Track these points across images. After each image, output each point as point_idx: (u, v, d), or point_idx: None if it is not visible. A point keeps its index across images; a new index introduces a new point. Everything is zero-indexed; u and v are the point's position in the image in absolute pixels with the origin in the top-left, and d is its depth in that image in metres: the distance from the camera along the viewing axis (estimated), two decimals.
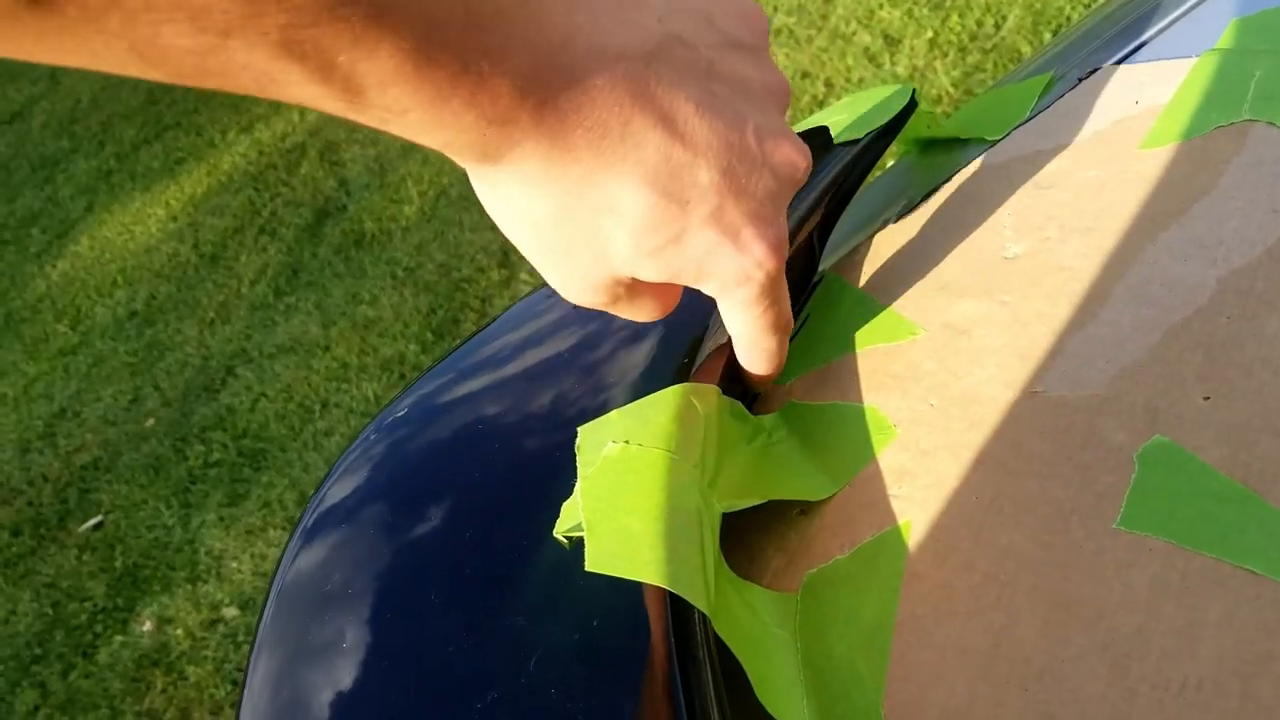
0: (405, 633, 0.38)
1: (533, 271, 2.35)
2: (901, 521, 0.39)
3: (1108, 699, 0.31)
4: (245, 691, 0.40)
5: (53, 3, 0.22)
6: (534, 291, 0.56)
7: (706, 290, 0.38)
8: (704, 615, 0.34)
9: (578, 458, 0.40)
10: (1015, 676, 0.33)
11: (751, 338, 0.41)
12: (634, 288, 0.37)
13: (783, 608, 0.38)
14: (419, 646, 0.37)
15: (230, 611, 1.98)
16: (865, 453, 0.42)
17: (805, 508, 0.41)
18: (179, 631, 1.99)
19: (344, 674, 0.38)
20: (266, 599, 0.44)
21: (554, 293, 0.55)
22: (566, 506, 0.38)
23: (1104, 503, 0.35)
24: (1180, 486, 0.34)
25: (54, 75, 4.44)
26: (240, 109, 3.56)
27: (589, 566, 0.35)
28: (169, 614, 2.04)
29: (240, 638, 1.92)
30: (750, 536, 0.42)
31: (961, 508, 0.38)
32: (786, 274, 0.43)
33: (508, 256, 2.46)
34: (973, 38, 2.24)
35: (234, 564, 2.06)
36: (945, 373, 0.42)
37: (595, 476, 0.38)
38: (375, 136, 3.09)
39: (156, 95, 3.91)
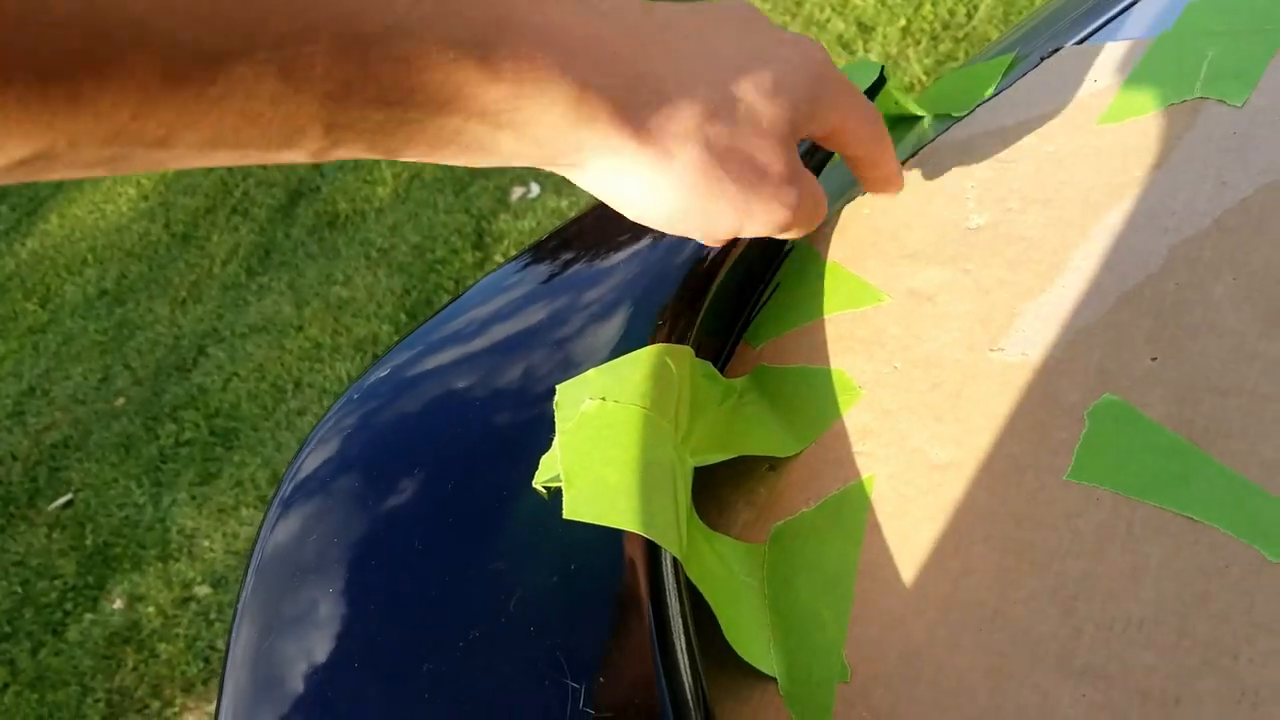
0: (390, 582, 0.39)
1: (506, 253, 2.36)
2: (865, 476, 0.41)
3: (1056, 637, 0.33)
4: (228, 662, 0.42)
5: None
6: (511, 260, 0.58)
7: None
8: (676, 562, 0.36)
9: (556, 414, 0.41)
10: (970, 619, 0.35)
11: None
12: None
13: (751, 558, 0.40)
14: (403, 591, 0.38)
15: (202, 590, 1.99)
16: (832, 412, 0.43)
17: (773, 464, 0.43)
18: (150, 609, 1.99)
19: (328, 633, 0.40)
20: (246, 570, 0.45)
21: (522, 266, 0.56)
22: (545, 460, 0.40)
23: (1056, 457, 0.37)
24: (1128, 441, 0.36)
25: None
26: None
27: (567, 514, 0.37)
28: (140, 592, 2.04)
29: (212, 615, 1.92)
30: (721, 491, 0.43)
31: (922, 463, 0.40)
32: (759, 243, 0.45)
33: (481, 239, 2.46)
34: (945, 26, 2.26)
35: (206, 542, 2.06)
36: (909, 337, 0.44)
37: (573, 431, 0.40)
38: None
39: None
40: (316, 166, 2.96)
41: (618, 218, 0.53)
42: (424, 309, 2.38)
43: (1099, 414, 0.37)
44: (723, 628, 0.36)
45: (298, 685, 0.38)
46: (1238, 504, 0.33)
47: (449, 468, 0.43)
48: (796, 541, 0.40)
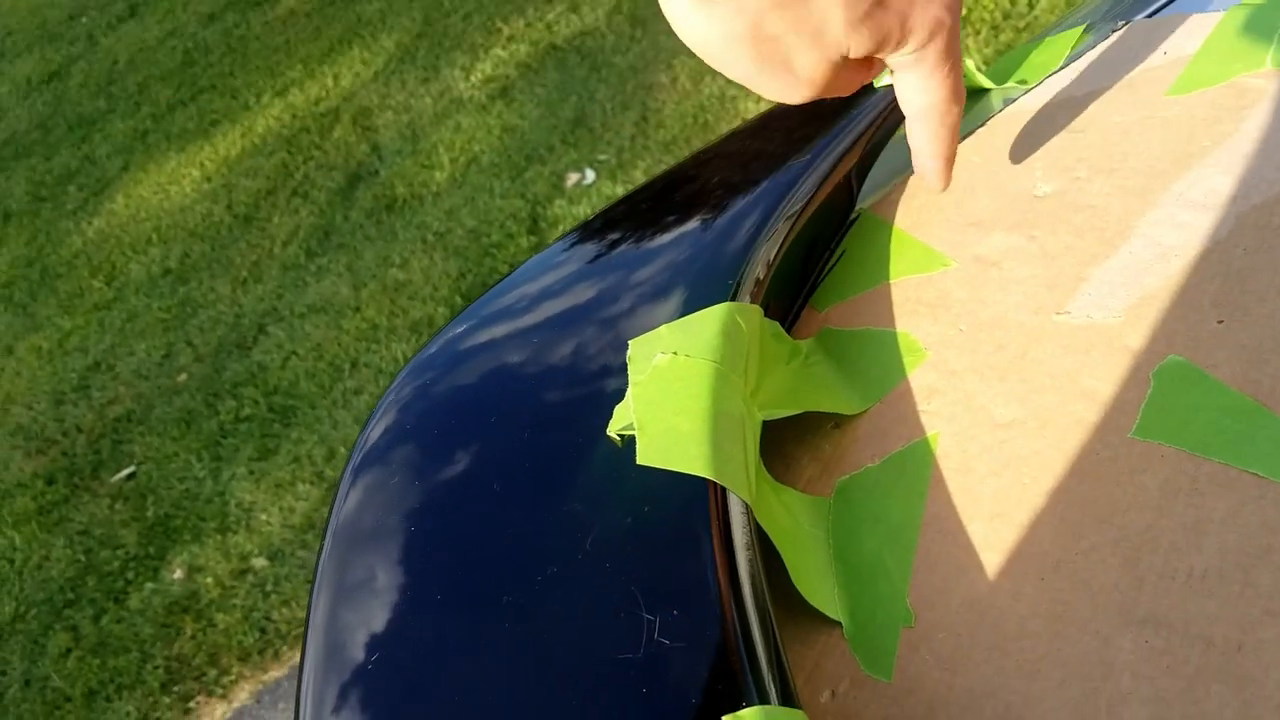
0: (469, 529, 0.41)
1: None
2: (930, 433, 0.41)
3: (1119, 587, 0.34)
4: (309, 627, 0.43)
5: None
6: (565, 236, 0.59)
7: (902, 54, 0.41)
8: (745, 508, 0.37)
9: (629, 367, 0.42)
10: (1033, 569, 0.36)
11: (939, 107, 0.43)
12: (841, 70, 0.41)
13: (816, 509, 0.41)
14: (481, 538, 0.40)
15: (259, 562, 2.03)
16: (897, 372, 0.44)
17: (839, 421, 0.44)
18: (209, 580, 2.03)
19: (408, 588, 0.41)
20: (323, 539, 0.47)
21: (580, 240, 0.57)
22: (618, 409, 0.41)
23: (1121, 416, 0.38)
24: (1193, 400, 0.37)
25: (91, 36, 4.49)
26: (275, 72, 3.60)
27: (640, 460, 0.38)
28: (199, 563, 2.08)
29: (269, 587, 1.96)
30: (787, 447, 0.44)
31: (987, 421, 0.41)
32: (826, 211, 0.45)
33: (536, 224, 2.49)
34: (1006, 16, 2.24)
35: (263, 516, 2.10)
36: (974, 301, 0.45)
37: (646, 383, 0.41)
38: (409, 103, 3.12)
39: (193, 57, 3.95)
40: (376, 150, 3.00)
41: (677, 190, 0.54)
42: (479, 292, 2.40)
43: (1164, 374, 0.38)
44: (790, 572, 0.37)
45: (380, 641, 0.40)
46: None
47: (521, 423, 0.45)
48: (861, 495, 0.41)
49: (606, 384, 0.43)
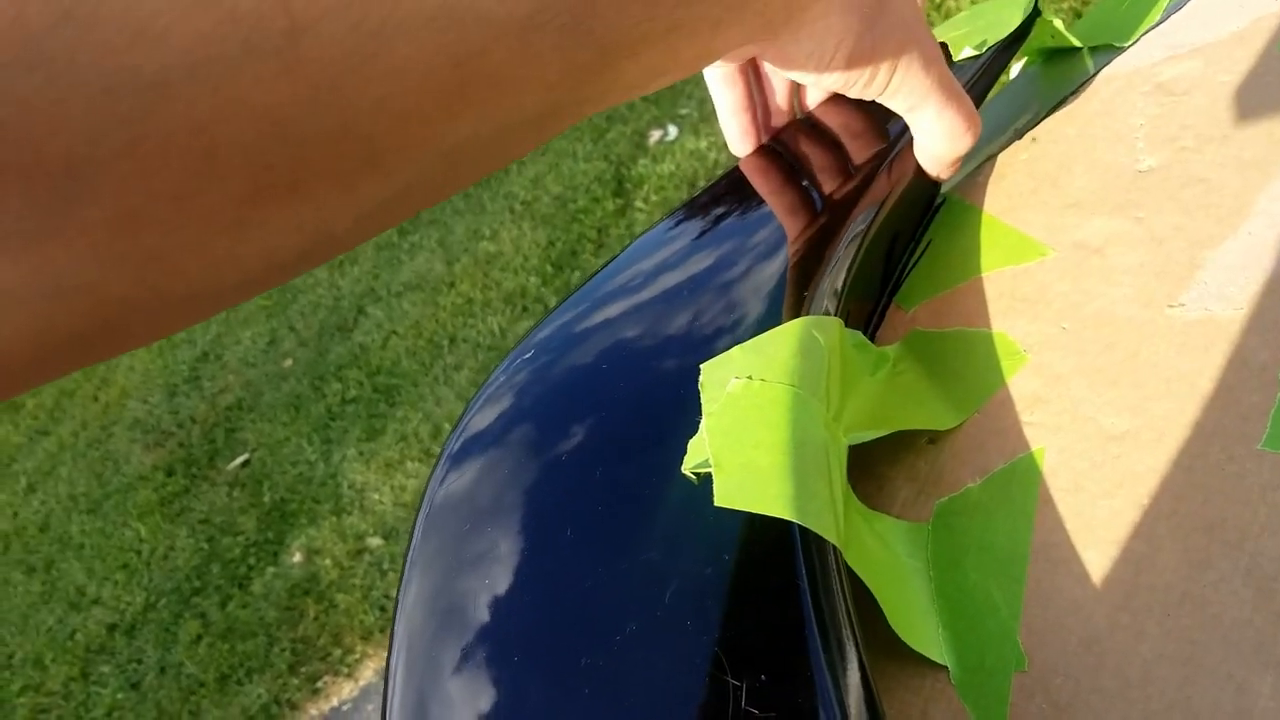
0: (544, 563, 0.39)
1: (647, 199, 2.35)
2: (1035, 449, 0.38)
3: (1253, 624, 0.31)
4: (398, 611, 0.42)
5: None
6: (661, 221, 0.57)
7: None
8: (834, 548, 0.34)
9: (701, 395, 0.40)
10: (1156, 604, 0.33)
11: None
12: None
13: (914, 537, 0.38)
14: (558, 578, 0.38)
15: (374, 541, 2.06)
16: (995, 379, 0.41)
17: (934, 436, 0.41)
18: (327, 561, 2.08)
19: (485, 595, 0.40)
20: (414, 523, 0.46)
21: (679, 222, 0.55)
22: (693, 444, 0.39)
23: (1247, 424, 0.34)
24: None
25: None
26: None
27: (718, 502, 0.36)
28: (316, 545, 2.13)
29: (385, 566, 2.00)
30: (878, 468, 0.42)
31: (1097, 434, 0.37)
32: (905, 199, 0.43)
33: (621, 185, 2.46)
34: None
35: (375, 495, 2.14)
36: (1078, 293, 0.41)
37: (719, 413, 0.39)
38: None
39: None
40: None
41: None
42: (569, 259, 2.39)
43: None
44: (886, 614, 0.35)
45: (463, 631, 0.39)
46: None
47: (607, 439, 0.43)
48: (962, 519, 0.38)
49: (690, 403, 0.40)
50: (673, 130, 2.49)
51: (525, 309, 2.34)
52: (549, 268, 2.39)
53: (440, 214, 2.75)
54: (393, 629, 0.42)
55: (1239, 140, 0.41)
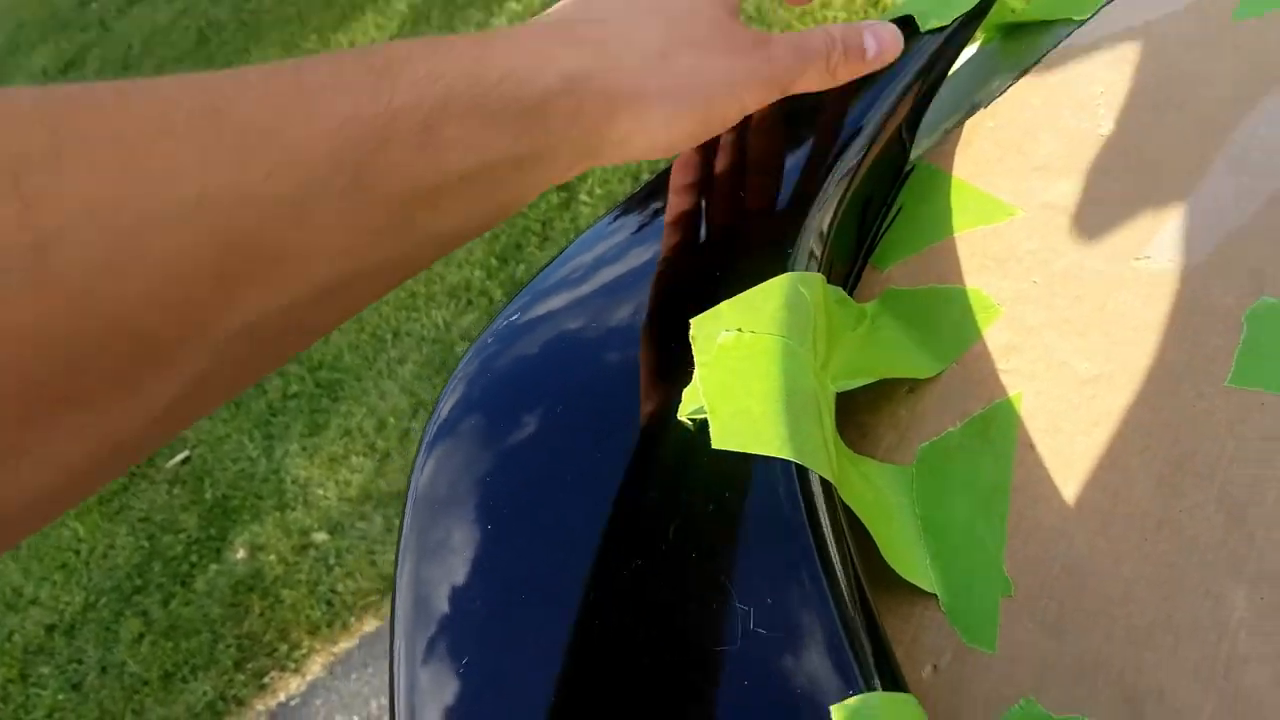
0: (545, 517, 0.40)
1: (591, 192, 2.36)
2: (1012, 393, 0.40)
3: (1226, 544, 0.33)
4: (396, 595, 0.43)
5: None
6: (615, 208, 0.58)
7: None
8: (828, 486, 0.36)
9: (693, 347, 0.41)
10: (1134, 531, 0.35)
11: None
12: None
13: (899, 479, 0.40)
14: (560, 527, 0.39)
15: (320, 536, 2.05)
16: (971, 331, 0.43)
17: (914, 386, 0.43)
18: (272, 558, 2.06)
19: (488, 563, 0.41)
20: (404, 510, 0.46)
21: (624, 215, 0.56)
22: (687, 392, 0.40)
23: (1213, 364, 0.37)
24: None
25: (103, 22, 4.48)
26: (290, 45, 3.57)
27: (715, 444, 0.37)
28: (260, 541, 2.11)
29: (331, 561, 1.98)
30: (860, 416, 0.43)
31: (1071, 378, 0.39)
32: (880, 166, 0.45)
33: None
34: None
35: (320, 491, 2.12)
36: (1046, 251, 0.43)
37: (712, 363, 0.40)
38: None
39: (206, 35, 3.94)
40: None
41: (718, 154, 0.52)
42: (513, 253, 2.39)
43: (1257, 317, 0.37)
44: (879, 547, 0.36)
45: (462, 606, 0.40)
46: None
47: (594, 402, 0.44)
48: (945, 461, 0.40)
49: (683, 359, 0.42)
50: None
51: (470, 302, 2.34)
52: (493, 261, 2.39)
53: None
54: (393, 618, 0.43)
55: (1196, 104, 0.44)
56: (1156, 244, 0.41)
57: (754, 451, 0.36)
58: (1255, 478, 0.33)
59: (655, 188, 0.55)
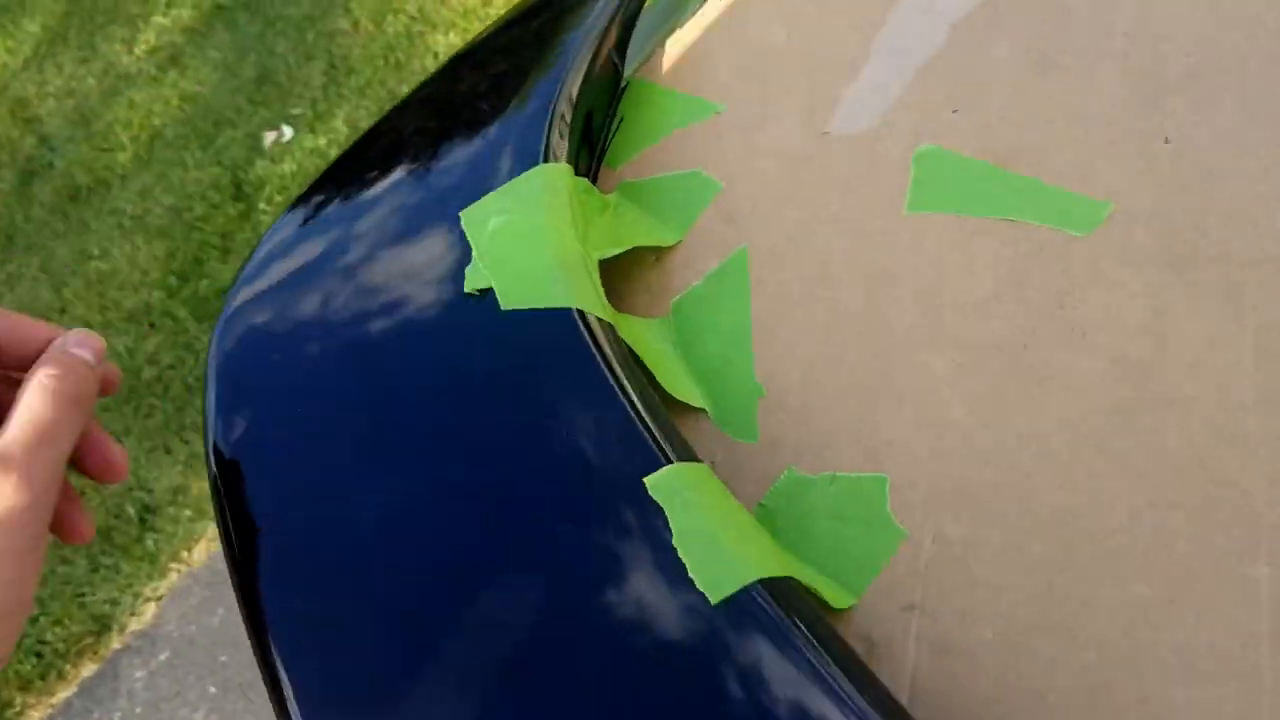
0: (369, 377, 0.44)
1: (270, 199, 2.32)
2: (739, 248, 0.48)
3: (921, 326, 0.41)
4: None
5: None
6: (358, 140, 0.61)
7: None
8: (608, 325, 0.42)
9: (466, 234, 0.46)
10: (849, 332, 0.43)
11: None
12: None
13: (660, 328, 0.47)
14: (374, 387, 0.43)
15: None
16: (699, 203, 0.50)
17: (658, 255, 0.50)
18: None
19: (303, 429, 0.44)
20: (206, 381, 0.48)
21: (372, 142, 0.60)
22: (468, 272, 0.45)
23: (894, 200, 0.45)
24: (948, 174, 0.45)
25: None
26: None
27: (504, 305, 0.42)
28: None
29: (35, 611, 1.85)
30: (615, 284, 0.50)
31: (785, 228, 0.47)
32: (597, 89, 0.51)
33: (240, 189, 2.40)
34: None
35: None
36: (750, 132, 0.51)
37: (488, 243, 0.45)
38: (70, 86, 2.91)
39: None
40: (44, 141, 2.79)
41: (455, 90, 0.57)
42: (194, 269, 2.31)
43: (921, 160, 0.46)
44: (655, 375, 0.43)
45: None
46: (1042, 203, 0.42)
47: (386, 283, 0.47)
48: (693, 309, 0.47)
49: (454, 251, 0.46)
50: (288, 131, 2.46)
51: (153, 324, 2.24)
52: (172, 280, 2.30)
53: (38, 238, 2.56)
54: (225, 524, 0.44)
55: (853, 8, 0.53)
56: (836, 119, 0.50)
57: (538, 306, 0.42)
58: (936, 275, 0.42)
59: (397, 118, 0.59)
